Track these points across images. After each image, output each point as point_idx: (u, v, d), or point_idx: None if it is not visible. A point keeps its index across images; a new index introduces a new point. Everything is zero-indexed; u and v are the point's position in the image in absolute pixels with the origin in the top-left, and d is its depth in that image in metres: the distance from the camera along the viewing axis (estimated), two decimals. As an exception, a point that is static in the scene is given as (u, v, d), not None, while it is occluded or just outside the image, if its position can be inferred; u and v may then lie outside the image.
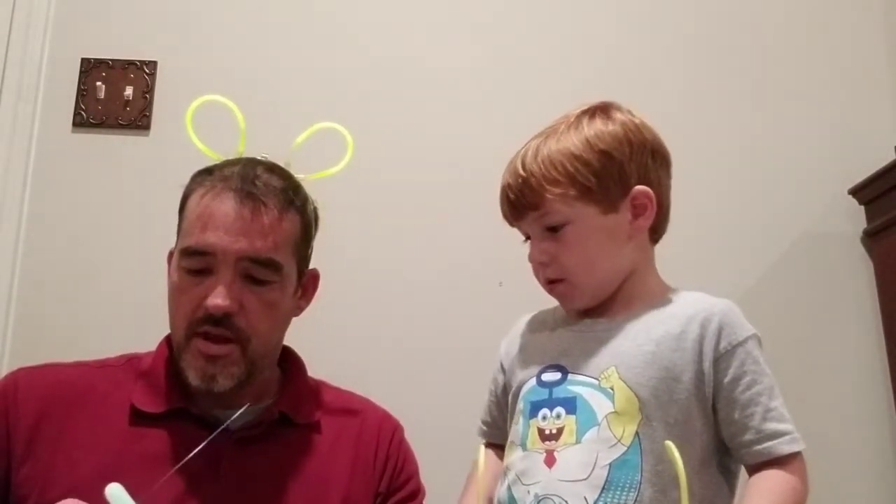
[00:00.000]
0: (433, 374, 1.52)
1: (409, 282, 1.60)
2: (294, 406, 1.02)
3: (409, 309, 1.58)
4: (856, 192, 1.64)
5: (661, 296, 0.94)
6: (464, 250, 1.61)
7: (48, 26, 1.70)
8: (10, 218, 1.60)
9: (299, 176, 1.04)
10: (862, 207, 1.65)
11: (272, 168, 1.01)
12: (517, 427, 0.91)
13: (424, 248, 1.63)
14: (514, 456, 0.90)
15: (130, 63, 1.70)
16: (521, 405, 0.92)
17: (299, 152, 1.04)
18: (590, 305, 0.94)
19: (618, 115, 0.94)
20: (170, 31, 1.73)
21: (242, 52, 1.72)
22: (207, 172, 1.01)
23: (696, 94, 1.72)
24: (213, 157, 1.03)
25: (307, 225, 1.03)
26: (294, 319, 1.06)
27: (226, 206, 0.95)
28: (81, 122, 1.67)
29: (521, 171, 0.92)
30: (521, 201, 0.92)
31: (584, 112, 0.95)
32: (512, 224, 0.97)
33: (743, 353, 0.87)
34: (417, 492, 1.05)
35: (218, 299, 0.92)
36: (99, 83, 1.68)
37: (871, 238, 1.62)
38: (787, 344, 1.60)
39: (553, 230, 0.91)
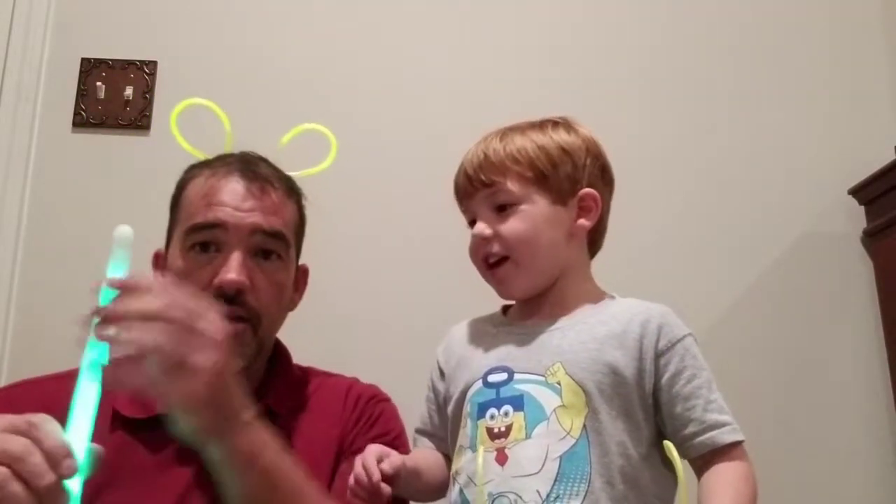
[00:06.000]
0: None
1: (404, 279, 1.60)
2: (279, 398, 1.00)
3: (404, 308, 1.58)
4: (856, 192, 1.64)
5: (598, 299, 0.97)
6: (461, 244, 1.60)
7: (48, 26, 1.70)
8: (10, 218, 1.59)
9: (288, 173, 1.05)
10: (862, 207, 1.64)
11: (267, 161, 1.03)
12: (465, 430, 0.92)
13: (418, 244, 1.62)
14: (463, 459, 0.90)
15: (130, 63, 1.70)
16: (468, 408, 0.92)
17: (287, 152, 1.05)
18: (526, 295, 0.97)
19: (581, 130, 1.00)
20: (170, 31, 1.73)
21: (242, 52, 1.72)
22: (203, 164, 1.01)
23: (696, 95, 1.72)
24: (201, 157, 1.04)
25: (302, 216, 1.04)
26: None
27: (233, 184, 0.96)
28: (81, 122, 1.67)
29: (484, 149, 0.96)
30: (477, 176, 0.95)
31: (549, 120, 1.00)
32: (461, 202, 1.00)
33: (682, 349, 0.90)
34: (391, 431, 1.01)
35: (232, 273, 0.91)
36: (99, 83, 1.68)
37: (871, 238, 1.62)
38: (787, 344, 1.60)
39: (501, 209, 0.94)
